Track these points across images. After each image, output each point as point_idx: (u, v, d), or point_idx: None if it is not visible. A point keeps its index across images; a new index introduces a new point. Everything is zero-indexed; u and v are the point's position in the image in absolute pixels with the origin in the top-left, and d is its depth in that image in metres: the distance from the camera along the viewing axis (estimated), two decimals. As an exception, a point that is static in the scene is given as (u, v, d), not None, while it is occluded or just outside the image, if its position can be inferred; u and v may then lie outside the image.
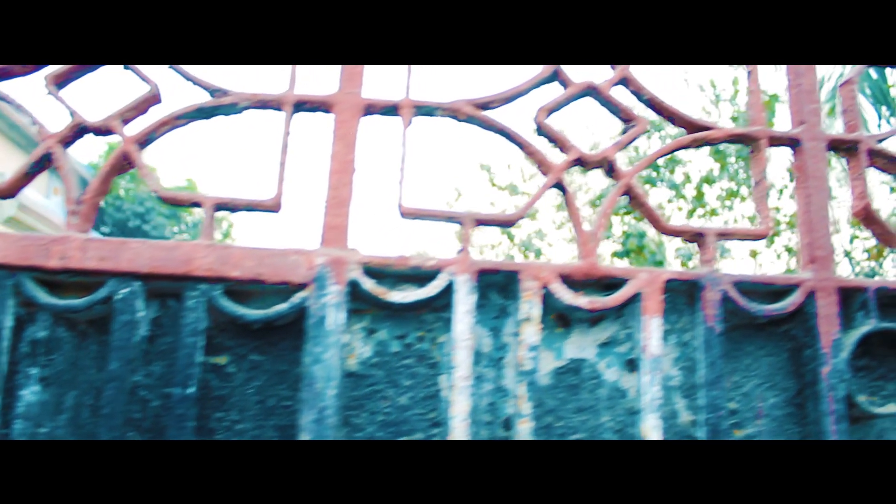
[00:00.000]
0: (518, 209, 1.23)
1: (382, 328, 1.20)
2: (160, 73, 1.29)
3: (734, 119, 8.45)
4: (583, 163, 1.26)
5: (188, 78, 1.23)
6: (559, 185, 1.25)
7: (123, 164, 1.22)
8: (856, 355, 1.22)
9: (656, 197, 8.48)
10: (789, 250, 8.18)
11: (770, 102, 7.42)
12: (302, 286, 1.14)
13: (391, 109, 1.25)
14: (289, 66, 1.25)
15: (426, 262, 1.17)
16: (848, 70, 1.43)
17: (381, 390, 1.17)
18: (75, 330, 1.17)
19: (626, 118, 1.30)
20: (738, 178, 8.12)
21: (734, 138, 1.32)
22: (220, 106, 1.23)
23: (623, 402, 1.20)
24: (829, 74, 7.42)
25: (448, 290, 1.16)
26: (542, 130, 1.26)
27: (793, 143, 1.31)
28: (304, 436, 1.07)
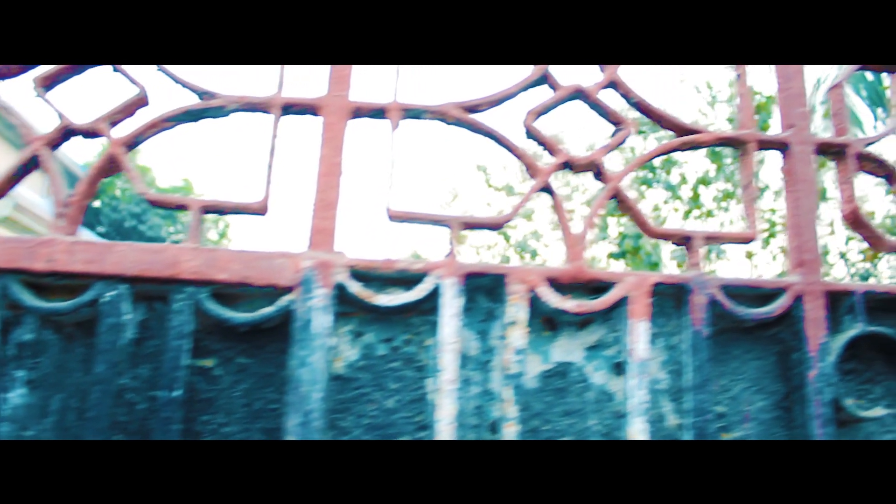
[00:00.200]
0: (507, 212, 1.23)
1: (369, 331, 1.20)
2: (148, 76, 1.29)
3: (730, 121, 8.47)
4: (571, 166, 1.26)
5: (176, 80, 1.23)
6: (547, 189, 1.25)
7: (111, 166, 1.22)
8: (843, 359, 1.22)
9: (652, 198, 8.49)
10: (785, 252, 8.20)
11: (766, 104, 7.44)
12: (288, 289, 1.13)
13: (379, 112, 1.25)
14: (277, 70, 1.25)
15: (413, 266, 1.17)
16: (839, 72, 1.43)
17: (368, 393, 1.17)
18: (62, 333, 1.17)
19: (615, 121, 1.30)
20: (734, 180, 8.14)
21: (722, 142, 1.32)
22: (207, 108, 1.23)
23: (610, 406, 1.20)
24: (827, 76, 7.43)
25: (435, 294, 1.16)
26: (530, 133, 1.26)
27: (781, 146, 1.31)
28: (290, 439, 1.07)
